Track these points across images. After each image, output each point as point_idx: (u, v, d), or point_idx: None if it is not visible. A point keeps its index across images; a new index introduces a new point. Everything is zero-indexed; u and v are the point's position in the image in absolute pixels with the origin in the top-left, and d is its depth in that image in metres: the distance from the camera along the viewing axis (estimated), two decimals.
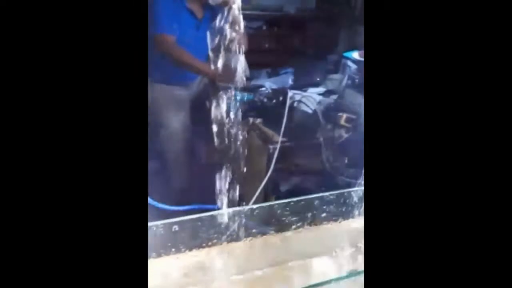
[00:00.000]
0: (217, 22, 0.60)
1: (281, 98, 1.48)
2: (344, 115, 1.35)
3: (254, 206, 0.63)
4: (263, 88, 1.60)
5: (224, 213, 0.60)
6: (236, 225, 0.61)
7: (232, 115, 0.70)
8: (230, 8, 0.60)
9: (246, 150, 0.68)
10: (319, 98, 1.55)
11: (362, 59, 1.59)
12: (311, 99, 1.48)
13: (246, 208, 0.62)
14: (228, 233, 0.61)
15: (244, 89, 1.54)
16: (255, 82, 1.79)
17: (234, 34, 0.62)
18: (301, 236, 0.66)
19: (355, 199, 0.69)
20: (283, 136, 1.28)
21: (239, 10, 0.58)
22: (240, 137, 0.67)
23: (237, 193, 0.65)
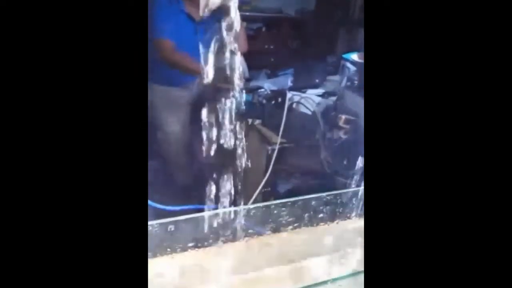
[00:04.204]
0: (216, 24, 0.60)
1: (280, 100, 1.48)
2: (343, 117, 1.35)
3: (251, 206, 0.62)
4: (262, 89, 1.60)
5: (220, 213, 0.60)
6: (232, 225, 0.61)
7: (230, 116, 0.70)
8: (228, 10, 0.60)
9: (244, 151, 0.68)
10: (318, 99, 1.55)
11: (361, 60, 1.59)
12: (310, 100, 1.49)
13: (243, 208, 0.62)
14: (225, 233, 0.61)
15: (243, 90, 1.54)
16: (254, 83, 1.79)
17: (232, 35, 0.62)
18: (298, 237, 0.65)
19: (353, 200, 0.69)
20: (282, 137, 1.28)
21: (237, 12, 0.58)
22: (239, 138, 0.67)
23: (235, 194, 0.65)
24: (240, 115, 0.66)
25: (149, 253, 0.56)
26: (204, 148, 0.62)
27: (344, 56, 1.70)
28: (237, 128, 0.66)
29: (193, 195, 0.70)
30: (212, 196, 0.64)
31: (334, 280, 0.52)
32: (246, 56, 1.72)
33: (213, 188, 0.64)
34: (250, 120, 1.47)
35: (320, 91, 1.70)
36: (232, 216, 0.61)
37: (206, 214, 0.60)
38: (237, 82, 0.68)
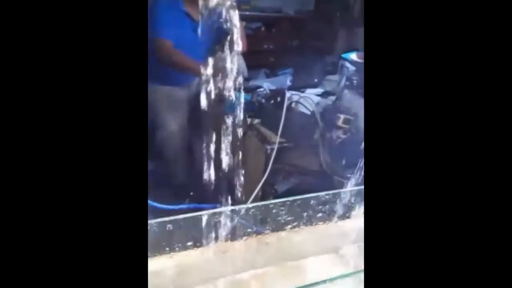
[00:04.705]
0: (215, 23, 0.60)
1: (279, 99, 1.48)
2: (342, 116, 1.35)
3: (250, 205, 0.62)
4: (261, 89, 1.60)
5: (219, 212, 0.60)
6: (231, 224, 0.61)
7: (230, 116, 0.69)
8: (227, 10, 0.60)
9: (243, 151, 0.68)
10: (317, 99, 1.55)
11: (360, 60, 1.59)
12: (309, 100, 1.48)
13: (242, 207, 0.62)
14: (224, 232, 0.61)
15: (242, 89, 1.54)
16: (253, 83, 1.79)
17: (232, 35, 0.62)
18: (297, 236, 0.65)
19: (352, 199, 0.69)
20: (280, 137, 1.28)
21: (236, 11, 0.58)
22: (238, 138, 0.67)
23: (234, 193, 0.65)
24: (239, 115, 0.66)
25: (148, 253, 0.56)
26: (203, 147, 0.62)
27: (343, 55, 1.70)
28: (236, 127, 0.66)
29: (192, 194, 0.70)
30: (211, 195, 0.64)
31: (333, 279, 0.52)
32: (245, 55, 1.72)
33: (212, 187, 0.64)
34: (249, 120, 1.47)
35: (319, 90, 1.70)
36: (231, 215, 0.61)
37: (205, 213, 0.60)
38: (236, 81, 0.68)
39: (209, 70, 0.60)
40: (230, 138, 0.65)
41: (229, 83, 0.66)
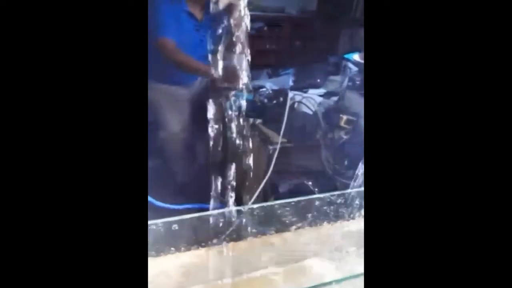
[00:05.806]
0: (218, 23, 0.60)
1: (281, 99, 1.48)
2: (344, 117, 1.35)
3: (255, 206, 0.62)
4: (264, 89, 1.60)
5: (224, 212, 0.60)
6: (236, 224, 0.61)
7: (232, 116, 0.69)
8: (231, 10, 0.60)
9: (247, 151, 0.68)
10: (320, 99, 1.55)
11: (363, 61, 1.59)
12: (311, 100, 1.48)
13: (246, 207, 0.62)
14: (228, 232, 0.61)
15: (244, 89, 1.54)
16: (255, 83, 1.79)
17: (235, 34, 0.62)
18: (301, 237, 0.65)
19: (355, 200, 0.69)
20: (283, 137, 1.28)
21: (241, 12, 0.58)
22: (241, 138, 0.67)
23: (238, 193, 0.65)
24: (241, 115, 0.66)
25: (153, 252, 0.56)
26: (205, 147, 0.62)
27: (346, 56, 1.70)
28: (239, 127, 0.66)
29: (196, 194, 0.70)
30: (216, 195, 0.64)
31: (338, 281, 0.52)
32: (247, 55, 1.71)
33: (215, 187, 0.64)
34: (251, 120, 1.47)
35: (321, 91, 1.70)
36: (236, 215, 0.61)
37: (209, 213, 0.60)
38: (239, 81, 0.68)
39: (212, 70, 0.60)
40: (233, 138, 0.65)
41: (232, 83, 0.66)
